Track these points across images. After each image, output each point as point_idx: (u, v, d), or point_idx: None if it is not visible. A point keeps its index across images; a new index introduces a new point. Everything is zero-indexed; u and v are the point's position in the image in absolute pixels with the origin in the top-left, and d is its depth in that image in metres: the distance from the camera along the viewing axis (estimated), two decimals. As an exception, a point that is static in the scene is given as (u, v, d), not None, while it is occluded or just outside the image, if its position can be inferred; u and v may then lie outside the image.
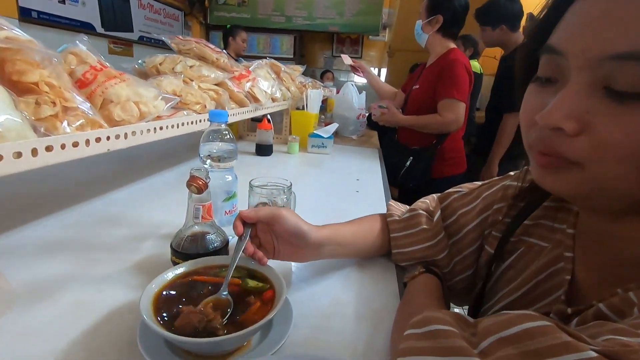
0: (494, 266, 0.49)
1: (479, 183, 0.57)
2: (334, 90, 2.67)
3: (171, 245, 0.53)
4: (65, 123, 0.48)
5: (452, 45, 1.56)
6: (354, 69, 1.98)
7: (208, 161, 0.61)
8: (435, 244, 0.55)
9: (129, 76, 0.63)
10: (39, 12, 2.74)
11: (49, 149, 0.43)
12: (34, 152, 0.41)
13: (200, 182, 0.50)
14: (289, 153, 1.49)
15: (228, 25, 3.45)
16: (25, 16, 2.62)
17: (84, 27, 3.15)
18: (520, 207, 0.47)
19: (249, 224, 0.51)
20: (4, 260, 0.55)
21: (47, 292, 0.48)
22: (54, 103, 0.47)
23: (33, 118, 0.45)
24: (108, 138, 0.53)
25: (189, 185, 0.49)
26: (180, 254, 0.52)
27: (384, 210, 0.92)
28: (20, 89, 0.47)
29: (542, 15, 0.34)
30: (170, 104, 0.67)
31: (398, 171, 1.60)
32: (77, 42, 0.63)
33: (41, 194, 0.83)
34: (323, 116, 2.24)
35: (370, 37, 5.46)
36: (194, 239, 0.53)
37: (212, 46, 1.02)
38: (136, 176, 1.00)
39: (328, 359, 0.34)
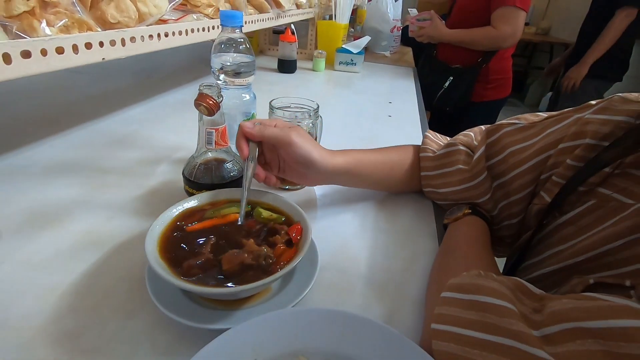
0: (548, 218, 0.40)
1: (544, 114, 0.45)
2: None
3: (183, 174, 0.47)
4: (44, 23, 0.39)
5: None
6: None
7: (222, 76, 0.52)
8: (474, 186, 0.46)
9: (123, -35, 0.51)
10: None
11: (25, 54, 0.35)
12: (6, 58, 0.34)
13: (211, 102, 0.41)
14: (314, 70, 1.35)
15: None
16: None
17: None
18: (603, 147, 0.36)
19: (254, 142, 0.44)
20: (9, 181, 0.51)
21: (54, 218, 0.45)
22: (28, -4, 0.38)
23: (4, 14, 0.36)
24: (101, 44, 0.44)
25: (197, 104, 0.41)
26: (193, 183, 0.46)
27: (419, 139, 0.83)
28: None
29: None
30: (174, 2, 0.56)
31: (434, 93, 1.45)
32: None
33: (51, 110, 0.77)
34: (352, 29, 2.00)
35: None
36: (208, 168, 0.47)
37: None
38: (151, 92, 0.93)
39: (355, 316, 0.29)
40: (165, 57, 1.32)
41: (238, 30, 0.51)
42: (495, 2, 1.24)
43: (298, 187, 0.57)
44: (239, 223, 0.39)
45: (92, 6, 0.48)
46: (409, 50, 2.04)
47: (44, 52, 0.37)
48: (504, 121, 0.47)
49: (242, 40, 0.51)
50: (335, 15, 1.44)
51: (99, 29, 0.45)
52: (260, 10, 0.92)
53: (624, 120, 0.34)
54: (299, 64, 1.34)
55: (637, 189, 0.32)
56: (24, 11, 0.38)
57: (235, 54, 0.52)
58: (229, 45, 0.51)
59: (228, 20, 0.49)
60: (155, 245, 0.34)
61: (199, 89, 0.42)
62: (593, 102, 0.39)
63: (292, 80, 1.23)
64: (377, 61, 1.68)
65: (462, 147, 0.49)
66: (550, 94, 3.91)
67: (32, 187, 0.51)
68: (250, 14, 0.87)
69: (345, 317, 0.29)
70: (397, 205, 0.55)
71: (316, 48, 1.44)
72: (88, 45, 0.42)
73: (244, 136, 0.43)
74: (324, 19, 1.53)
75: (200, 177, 0.46)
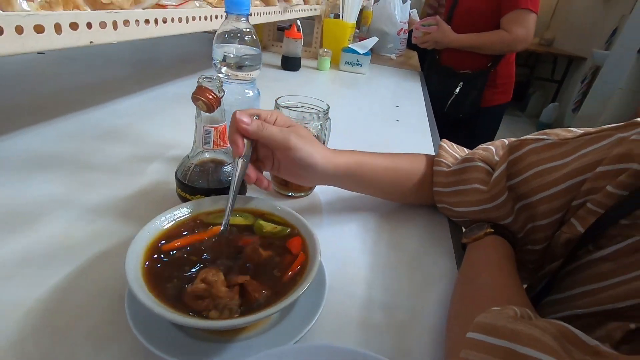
0: (581, 250, 0.35)
1: (579, 131, 0.40)
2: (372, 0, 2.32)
3: (176, 175, 0.42)
4: (23, -3, 0.34)
5: None
6: None
7: (224, 69, 0.47)
8: (494, 208, 0.42)
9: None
10: None
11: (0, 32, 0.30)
12: (-27, 34, 0.29)
13: (211, 97, 0.36)
14: (319, 69, 1.31)
15: None
16: None
17: None
18: None
19: (250, 140, 0.39)
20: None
21: (28, 219, 0.40)
22: (4, -36, 0.33)
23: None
24: (89, 25, 0.39)
25: (195, 99, 0.37)
26: (187, 186, 0.41)
27: (429, 146, 0.79)
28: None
29: None
30: (175, -15, 0.51)
31: (444, 99, 1.40)
32: None
33: (38, 96, 0.72)
34: (358, 30, 1.96)
35: None
36: (204, 170, 0.42)
37: None
38: (147, 83, 0.88)
39: (367, 356, 0.25)
40: (165, 46, 1.27)
41: (244, 19, 0.46)
42: (507, 5, 1.21)
43: (302, 194, 0.52)
44: (221, 230, 0.35)
45: (83, -16, 0.43)
46: (414, 54, 2.00)
47: (19, 30, 0.32)
48: (529, 136, 0.42)
49: (248, 30, 0.46)
50: (342, 14, 1.39)
51: (88, 9, 0.40)
52: (267, 2, 0.88)
53: None
54: (303, 62, 1.29)
55: None
56: (-1, -18, 0.33)
57: (239, 45, 0.47)
58: (234, 35, 0.46)
59: (234, 6, 0.44)
60: (138, 264, 0.29)
61: (198, 82, 0.38)
62: (639, 119, 0.35)
63: (296, 78, 1.18)
64: (383, 63, 1.63)
65: (480, 164, 0.44)
66: (552, 104, 3.91)
67: (7, 181, 0.46)
68: (257, 6, 0.82)
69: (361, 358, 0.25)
70: (408, 217, 0.51)
71: (321, 46, 1.39)
72: (73, 26, 0.37)
73: (239, 132, 0.38)
74: (331, 17, 1.49)
75: (195, 180, 0.41)
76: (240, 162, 0.38)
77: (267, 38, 1.52)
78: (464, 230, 0.48)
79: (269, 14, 0.87)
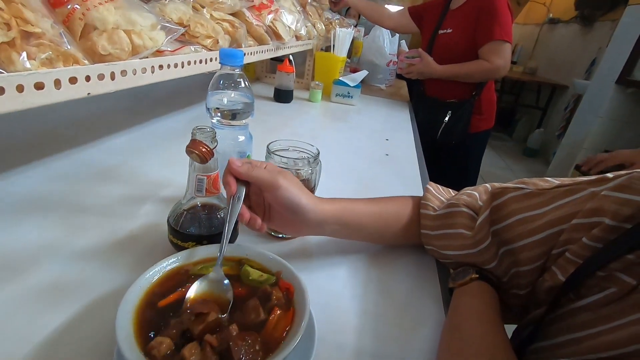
0: (563, 299, 0.36)
1: (555, 181, 0.42)
2: (362, 30, 2.41)
3: (168, 221, 0.43)
4: (24, 55, 0.35)
5: None
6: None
7: (217, 117, 0.48)
8: (478, 253, 0.43)
9: (120, -5, 0.49)
10: None
11: (-1, 92, 0.31)
12: (-26, 96, 0.30)
13: (204, 149, 0.38)
14: (311, 101, 1.34)
15: None
16: None
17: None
18: (626, 230, 0.32)
19: (243, 181, 0.41)
20: (-29, 219, 0.46)
21: (16, 266, 0.40)
22: (7, 25, 0.35)
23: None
24: (88, 78, 0.40)
25: (189, 152, 0.38)
26: (179, 233, 0.42)
27: (416, 181, 0.81)
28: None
29: None
30: (172, 35, 0.53)
31: (435, 128, 1.45)
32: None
33: (27, 134, 0.72)
34: (349, 60, 2.02)
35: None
36: (196, 216, 0.42)
37: (229, -36, 0.83)
38: (139, 118, 0.89)
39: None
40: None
41: (238, 69, 0.48)
42: (483, 38, 1.29)
43: (289, 236, 0.52)
44: (214, 273, 0.35)
45: (82, 36, 0.45)
46: (403, 84, 2.06)
47: (19, 88, 0.33)
48: (509, 184, 0.44)
49: (241, 79, 0.48)
50: (333, 48, 1.44)
51: (87, 62, 0.41)
52: (260, 42, 0.91)
53: None
54: (295, 93, 1.32)
55: None
56: (3, 42, 0.34)
57: (233, 93, 0.49)
58: (227, 82, 0.48)
59: (228, 59, 0.46)
60: (128, 322, 0.29)
61: (192, 133, 0.39)
62: (610, 175, 0.36)
63: (288, 110, 1.21)
64: (373, 94, 1.68)
65: (464, 209, 0.46)
66: (537, 130, 4.02)
67: (-4, 227, 0.46)
68: (250, 46, 0.85)
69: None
70: (396, 260, 0.52)
71: (313, 79, 1.43)
72: (72, 80, 0.38)
73: (231, 173, 0.40)
74: (323, 49, 1.54)
75: (187, 227, 0.42)
76: (235, 203, 0.39)
77: (260, 70, 1.56)
78: (451, 272, 0.49)
79: (261, 52, 0.91)
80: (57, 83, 0.37)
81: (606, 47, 3.05)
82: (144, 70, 0.49)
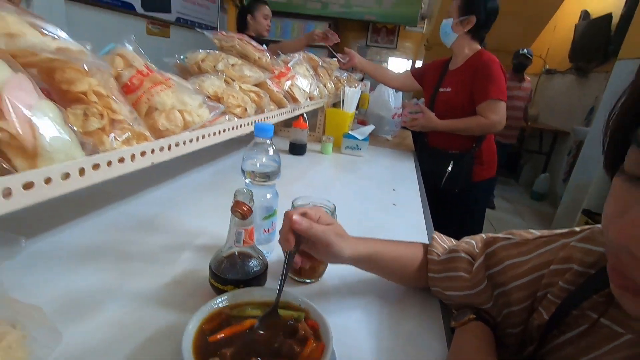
0: (549, 335, 0.42)
1: (536, 233, 0.50)
2: (368, 84, 2.60)
3: (210, 267, 0.51)
4: (112, 136, 0.46)
5: (479, 47, 1.51)
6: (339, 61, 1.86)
7: (250, 179, 0.58)
8: (476, 294, 0.50)
9: (174, 81, 0.61)
10: (82, -9, 2.77)
11: (95, 167, 0.42)
12: (82, 171, 0.40)
13: (245, 208, 0.47)
14: (322, 153, 1.46)
15: (245, 1, 2.75)
16: (70, -5, 2.66)
17: (125, 7, 3.17)
18: (591, 275, 0.39)
19: (297, 235, 0.49)
20: (39, 268, 0.54)
21: (83, 308, 0.47)
22: (101, 115, 0.46)
23: (81, 131, 0.43)
24: (152, 151, 0.51)
25: (234, 211, 0.47)
26: (219, 277, 0.50)
27: (422, 229, 0.89)
28: (69, 98, 0.45)
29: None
30: (214, 112, 0.65)
31: (439, 177, 1.55)
32: (125, 42, 0.61)
33: (82, 191, 0.83)
34: (357, 112, 2.18)
35: (406, 27, 5.29)
36: (234, 263, 0.51)
37: (255, 43, 0.98)
38: (171, 173, 1.00)
39: None
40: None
41: (268, 140, 0.58)
42: (479, 97, 1.42)
43: (312, 280, 0.60)
44: (273, 308, 0.43)
45: (146, 115, 0.56)
46: (408, 135, 2.19)
47: (109, 164, 0.43)
48: (500, 235, 0.52)
49: (271, 147, 0.59)
50: (343, 104, 1.59)
51: (152, 138, 0.52)
52: (279, 105, 1.04)
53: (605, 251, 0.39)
54: (308, 146, 1.44)
55: (626, 318, 0.35)
56: (97, 128, 0.45)
57: (264, 158, 0.59)
58: (259, 150, 0.59)
59: (261, 132, 0.57)
60: (190, 353, 0.36)
61: (235, 195, 0.48)
62: (577, 228, 0.44)
63: (302, 162, 1.32)
64: (380, 144, 1.80)
65: (463, 255, 0.54)
66: (543, 174, 4.09)
67: (60, 273, 0.54)
68: (272, 110, 0.97)
69: None
70: (405, 301, 0.58)
71: (324, 133, 1.56)
72: (142, 154, 0.49)
73: (292, 229, 0.49)
74: (333, 104, 1.69)
75: (226, 272, 0.50)
76: (292, 254, 0.48)
77: (276, 124, 1.70)
78: (454, 312, 0.55)
79: (281, 114, 1.03)
80: (132, 157, 0.47)
81: (602, 95, 3.20)
82: (191, 141, 0.60)
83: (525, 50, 3.53)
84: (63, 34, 0.44)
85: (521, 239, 0.49)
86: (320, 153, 1.46)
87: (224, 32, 0.98)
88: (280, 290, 0.45)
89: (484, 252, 0.51)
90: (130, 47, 0.61)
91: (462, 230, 1.63)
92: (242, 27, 2.57)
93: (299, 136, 1.36)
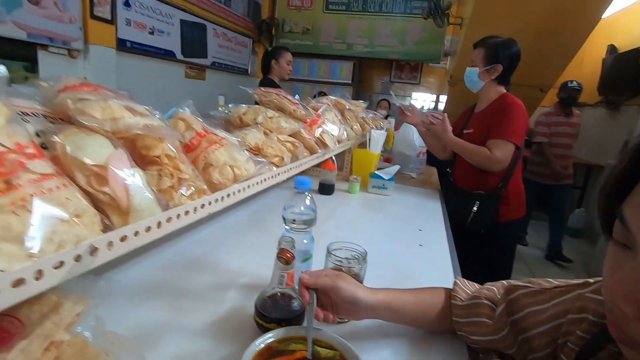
0: None
1: (554, 282, 0.53)
2: (392, 122, 2.69)
3: (255, 306, 0.58)
4: (180, 193, 0.55)
5: (504, 90, 1.57)
6: (402, 112, 1.80)
7: (290, 226, 0.66)
8: (499, 339, 0.54)
9: (227, 140, 0.71)
10: (132, 42, 3.10)
11: (169, 220, 0.50)
12: (159, 224, 0.48)
13: (289, 255, 0.54)
14: (350, 192, 1.53)
15: (269, 48, 3.00)
16: (122, 46, 2.98)
17: (167, 55, 3.49)
18: (604, 325, 0.42)
19: (312, 290, 0.56)
20: (107, 303, 0.63)
21: (147, 341, 0.55)
22: (172, 175, 0.55)
23: (156, 189, 0.53)
24: (210, 203, 0.60)
25: (279, 257, 0.54)
26: (264, 316, 0.56)
27: (449, 272, 0.92)
28: (146, 161, 0.55)
29: (621, 167, 0.31)
30: (258, 166, 0.74)
31: (464, 216, 1.57)
32: (185, 107, 0.72)
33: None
34: (383, 149, 2.26)
35: (430, 64, 5.44)
36: (277, 304, 0.57)
37: (290, 97, 1.09)
38: (213, 214, 1.09)
39: None
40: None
41: (307, 192, 0.66)
42: (493, 133, 1.46)
43: (345, 320, 0.65)
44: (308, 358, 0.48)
45: (203, 170, 0.66)
46: (433, 171, 2.24)
47: (178, 216, 0.52)
48: (519, 283, 0.56)
49: (309, 198, 0.66)
50: (369, 145, 1.67)
51: (209, 192, 0.61)
52: (311, 151, 1.13)
53: None
54: (336, 184, 1.52)
55: None
56: (168, 186, 0.54)
57: (302, 208, 0.66)
58: (299, 200, 0.66)
59: (301, 185, 0.65)
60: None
61: (280, 243, 0.56)
62: (591, 280, 0.48)
63: (331, 202, 1.39)
64: (405, 182, 1.85)
65: (485, 301, 0.58)
66: (578, 210, 3.95)
67: (125, 309, 0.62)
68: (305, 156, 1.06)
69: None
70: (433, 344, 0.62)
71: (351, 173, 1.64)
72: (202, 206, 0.58)
73: (304, 285, 0.56)
74: (359, 145, 1.77)
75: (270, 311, 0.56)
76: (311, 307, 0.54)
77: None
78: (480, 356, 0.58)
79: (313, 160, 1.12)
80: (195, 209, 0.56)
81: (635, 129, 3.13)
82: (239, 191, 0.69)
83: (575, 82, 3.19)
84: (146, 111, 0.55)
85: (540, 288, 0.53)
86: (347, 192, 1.53)
87: (262, 89, 1.10)
88: (310, 342, 0.50)
89: (506, 299, 0.55)
90: (189, 111, 0.73)
91: (491, 270, 1.62)
92: (266, 70, 2.82)
93: (327, 177, 1.45)
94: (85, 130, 0.46)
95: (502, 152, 1.42)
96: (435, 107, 5.66)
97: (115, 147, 0.47)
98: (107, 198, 0.44)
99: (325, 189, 1.45)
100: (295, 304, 0.58)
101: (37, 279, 0.33)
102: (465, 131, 1.62)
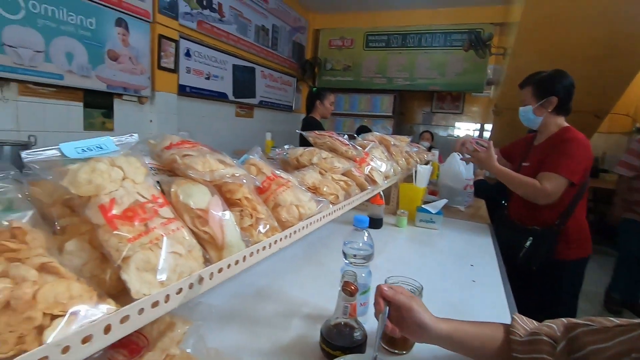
0: None
1: (615, 321, 0.54)
2: (437, 153, 2.70)
3: (321, 333, 0.64)
4: (258, 230, 0.64)
5: (565, 122, 1.52)
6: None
7: (350, 259, 0.72)
8: None
9: (292, 182, 0.80)
10: (191, 87, 3.44)
11: (251, 254, 0.59)
12: (244, 258, 0.57)
13: (353, 287, 0.60)
14: (398, 226, 1.56)
15: (314, 88, 3.20)
16: (182, 91, 3.32)
17: (220, 97, 3.82)
18: None
19: (386, 302, 0.61)
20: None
21: (232, 360, 0.63)
22: (251, 215, 0.64)
23: (239, 227, 0.62)
24: (281, 239, 0.68)
25: (343, 289, 0.61)
26: (329, 343, 0.62)
27: (504, 309, 0.92)
28: (229, 202, 0.65)
29: None
30: (320, 206, 0.82)
31: (516, 251, 1.52)
32: (255, 154, 0.83)
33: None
34: (428, 182, 2.28)
35: (473, 93, 5.41)
36: (341, 332, 0.63)
37: (342, 139, 1.19)
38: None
39: None
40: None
41: (365, 229, 0.73)
42: (549, 166, 1.40)
43: (404, 352, 0.69)
44: None
45: (272, 209, 0.75)
46: (482, 204, 2.20)
47: (258, 251, 0.61)
48: (579, 320, 0.57)
49: (367, 234, 0.73)
50: (415, 180, 1.71)
51: (280, 229, 0.70)
52: (362, 188, 1.20)
53: None
54: (384, 218, 1.56)
55: None
56: (249, 225, 0.64)
57: (360, 243, 0.73)
58: (357, 237, 0.73)
59: (359, 223, 0.72)
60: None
61: (344, 277, 0.62)
62: None
63: (380, 236, 1.43)
64: (453, 215, 1.85)
65: (545, 338, 0.59)
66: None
67: (212, 334, 0.70)
68: (356, 193, 1.14)
69: None
70: (492, 379, 0.63)
71: (398, 207, 1.68)
72: (275, 242, 0.66)
73: (382, 296, 0.61)
74: (405, 178, 1.82)
75: (336, 339, 0.62)
76: (383, 317, 0.59)
77: (352, 197, 1.87)
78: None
79: (363, 196, 1.19)
80: (270, 245, 0.64)
81: None
82: (303, 228, 0.77)
83: None
84: (232, 161, 0.66)
85: (601, 327, 0.54)
86: (395, 226, 1.57)
87: (316, 132, 1.21)
88: (377, 345, 0.55)
89: (566, 336, 0.56)
90: (258, 157, 0.83)
91: (550, 310, 1.51)
92: (310, 108, 3.06)
93: (376, 211, 1.50)
94: (190, 181, 0.57)
95: (551, 185, 1.37)
96: (480, 136, 5.55)
97: (212, 193, 0.57)
98: (207, 236, 0.54)
99: (374, 222, 1.50)
100: (357, 333, 0.63)
101: (165, 302, 0.43)
102: (523, 164, 1.60)
